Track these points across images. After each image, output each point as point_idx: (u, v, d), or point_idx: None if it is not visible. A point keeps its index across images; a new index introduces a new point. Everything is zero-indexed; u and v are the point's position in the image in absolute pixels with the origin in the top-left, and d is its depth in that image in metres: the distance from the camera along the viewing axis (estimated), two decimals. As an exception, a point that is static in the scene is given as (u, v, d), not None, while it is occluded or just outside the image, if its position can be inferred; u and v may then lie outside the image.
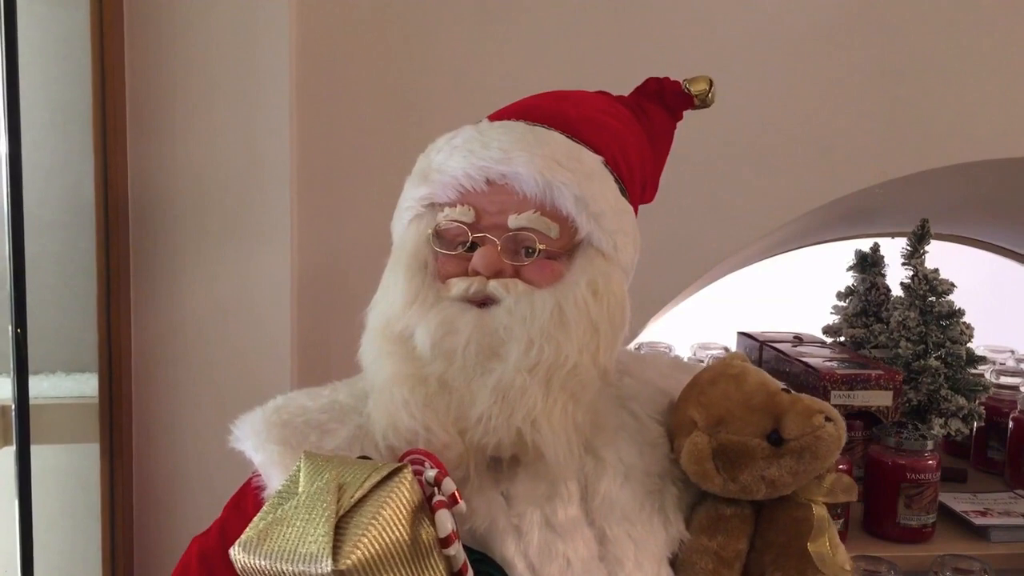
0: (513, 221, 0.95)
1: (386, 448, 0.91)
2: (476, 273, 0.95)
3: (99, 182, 1.50)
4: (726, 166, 1.86)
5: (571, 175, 0.96)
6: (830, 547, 0.96)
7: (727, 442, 0.96)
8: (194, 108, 1.56)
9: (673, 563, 0.96)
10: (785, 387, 1.01)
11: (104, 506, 1.54)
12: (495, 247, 0.95)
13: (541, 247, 0.95)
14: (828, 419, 0.96)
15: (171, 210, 1.57)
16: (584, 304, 0.94)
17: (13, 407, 1.39)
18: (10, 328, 1.37)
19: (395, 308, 0.96)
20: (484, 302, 0.94)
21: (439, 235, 0.98)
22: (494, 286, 0.94)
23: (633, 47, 1.80)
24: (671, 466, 1.00)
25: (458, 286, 0.95)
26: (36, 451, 1.43)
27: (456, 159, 0.97)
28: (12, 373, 1.38)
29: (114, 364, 1.55)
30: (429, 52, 1.77)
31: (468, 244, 0.96)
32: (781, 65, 1.85)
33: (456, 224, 0.96)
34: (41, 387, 1.53)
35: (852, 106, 1.88)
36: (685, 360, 2.01)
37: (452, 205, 0.97)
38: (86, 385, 1.56)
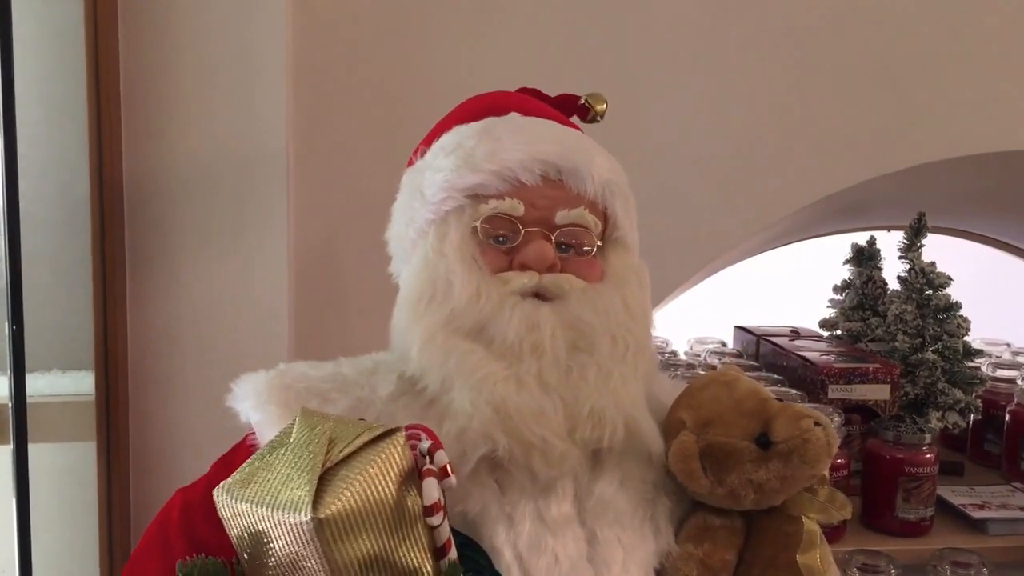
0: (562, 217, 0.95)
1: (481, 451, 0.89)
2: (525, 267, 0.94)
3: (94, 178, 1.50)
4: (723, 161, 1.86)
5: (617, 175, 1.00)
6: (821, 564, 0.95)
7: (714, 443, 0.96)
8: (189, 103, 1.55)
9: (659, 574, 0.96)
10: (777, 397, 1.01)
11: (101, 504, 1.54)
12: (549, 242, 0.94)
13: (598, 243, 0.97)
14: (817, 424, 0.96)
15: (167, 206, 1.56)
16: (637, 295, 0.97)
17: (10, 405, 1.38)
18: (6, 326, 1.37)
19: (459, 302, 0.92)
20: (541, 297, 0.94)
21: (485, 228, 0.96)
22: (550, 280, 0.94)
23: (630, 46, 1.80)
24: (667, 478, 0.99)
25: (516, 280, 0.93)
26: (32, 449, 1.42)
27: (511, 151, 0.95)
28: (9, 371, 1.37)
29: (110, 361, 1.54)
30: (428, 39, 1.76)
31: (519, 238, 0.95)
32: (778, 60, 1.85)
33: (504, 217, 0.95)
34: (37, 385, 1.51)
35: (848, 100, 1.88)
36: (682, 355, 2.02)
37: (499, 197, 0.95)
38: (82, 383, 1.55)
